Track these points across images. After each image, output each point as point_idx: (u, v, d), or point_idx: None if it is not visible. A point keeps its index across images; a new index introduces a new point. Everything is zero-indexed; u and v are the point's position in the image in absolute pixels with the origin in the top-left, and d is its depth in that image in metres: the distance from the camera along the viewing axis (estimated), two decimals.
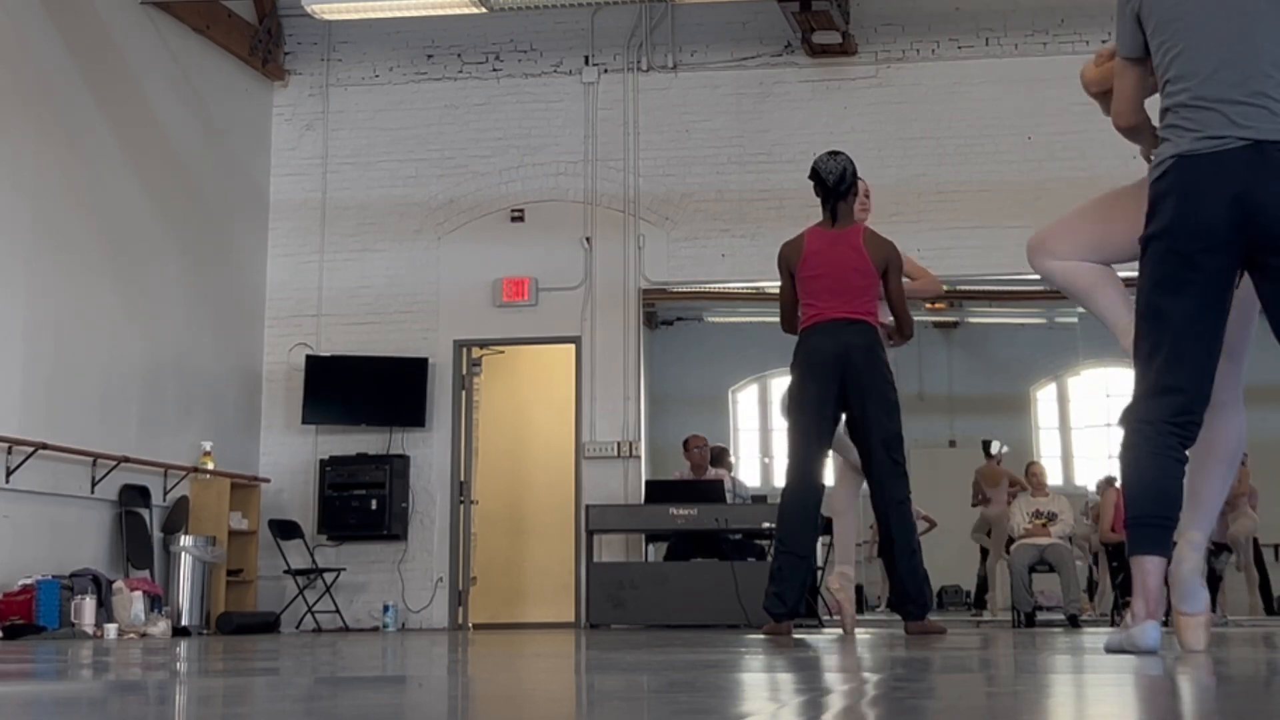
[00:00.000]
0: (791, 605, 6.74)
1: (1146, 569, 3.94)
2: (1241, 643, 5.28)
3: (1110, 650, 4.03)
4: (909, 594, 6.78)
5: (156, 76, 11.07)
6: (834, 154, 7.00)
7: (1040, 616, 10.98)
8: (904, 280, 7.02)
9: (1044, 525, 10.90)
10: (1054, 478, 13.00)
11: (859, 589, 11.95)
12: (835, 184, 6.89)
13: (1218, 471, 4.22)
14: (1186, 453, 4.02)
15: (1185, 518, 4.20)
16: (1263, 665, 3.59)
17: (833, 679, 3.13)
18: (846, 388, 6.73)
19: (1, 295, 9.23)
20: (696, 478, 11.05)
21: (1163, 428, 3.97)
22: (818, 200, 7.04)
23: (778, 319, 7.09)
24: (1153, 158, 4.07)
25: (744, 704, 2.42)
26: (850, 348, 6.72)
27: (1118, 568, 10.77)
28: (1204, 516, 4.24)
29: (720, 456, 11.94)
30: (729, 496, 10.83)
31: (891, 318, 7.02)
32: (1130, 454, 4.03)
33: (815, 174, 6.94)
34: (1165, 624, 4.05)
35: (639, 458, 11.72)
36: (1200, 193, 3.88)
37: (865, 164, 10.20)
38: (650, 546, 11.48)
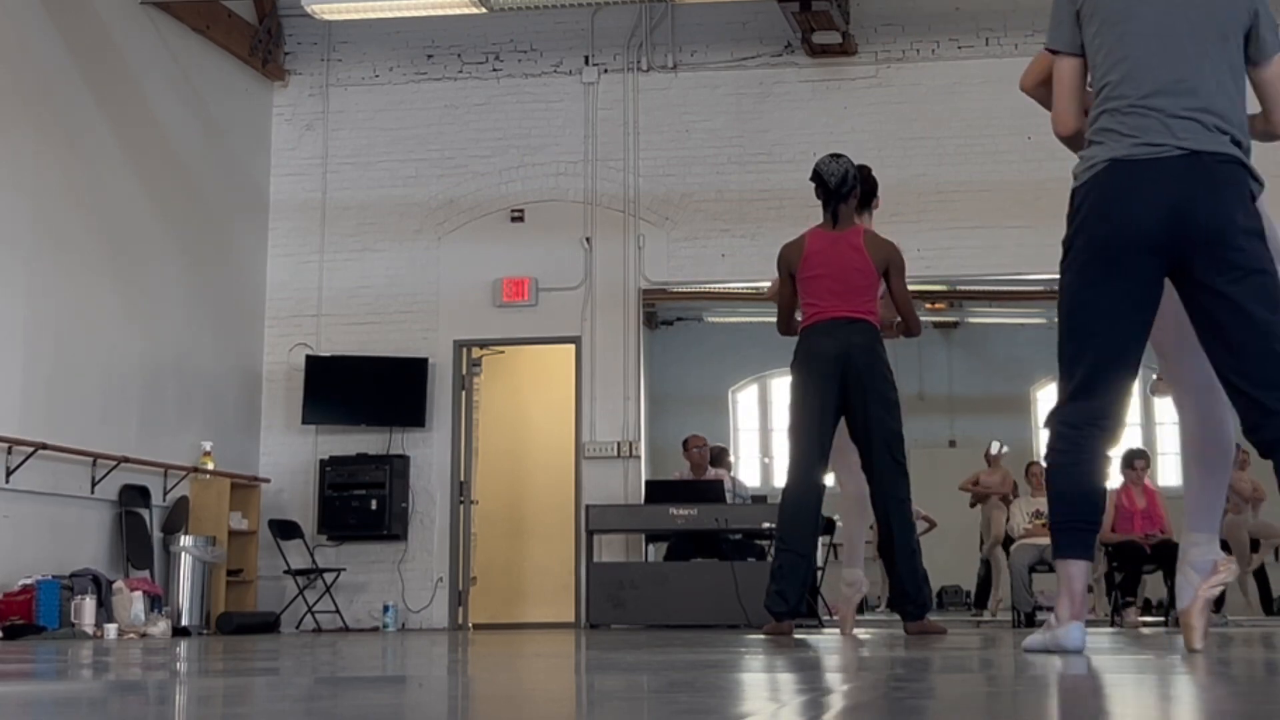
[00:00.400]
0: (793, 604, 6.74)
1: (1071, 573, 4.01)
2: (1241, 643, 5.28)
3: (1032, 650, 4.06)
4: (908, 594, 6.78)
5: (156, 76, 11.07)
6: (836, 156, 7.01)
7: (1040, 616, 10.98)
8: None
9: (1044, 525, 10.87)
10: None
11: None
12: (837, 186, 6.89)
13: (1202, 472, 4.25)
14: (1110, 454, 4.08)
15: (1185, 519, 4.25)
16: (1262, 665, 3.59)
17: (833, 679, 3.13)
18: (847, 386, 6.73)
19: (1, 295, 9.23)
20: (696, 478, 11.05)
21: (1088, 431, 4.00)
22: (818, 201, 7.05)
23: (777, 319, 7.10)
24: (1081, 159, 4.07)
25: (744, 704, 2.42)
26: (851, 346, 6.73)
27: (1117, 568, 10.77)
28: (1195, 516, 4.27)
29: (720, 456, 11.94)
30: (729, 496, 10.83)
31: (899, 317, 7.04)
32: (1055, 458, 4.07)
33: (817, 176, 6.95)
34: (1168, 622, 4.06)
35: (639, 458, 11.72)
36: (1134, 197, 3.88)
37: (865, 164, 10.19)
38: (650, 546, 11.48)
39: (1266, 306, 3.84)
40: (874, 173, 7.44)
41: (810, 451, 6.78)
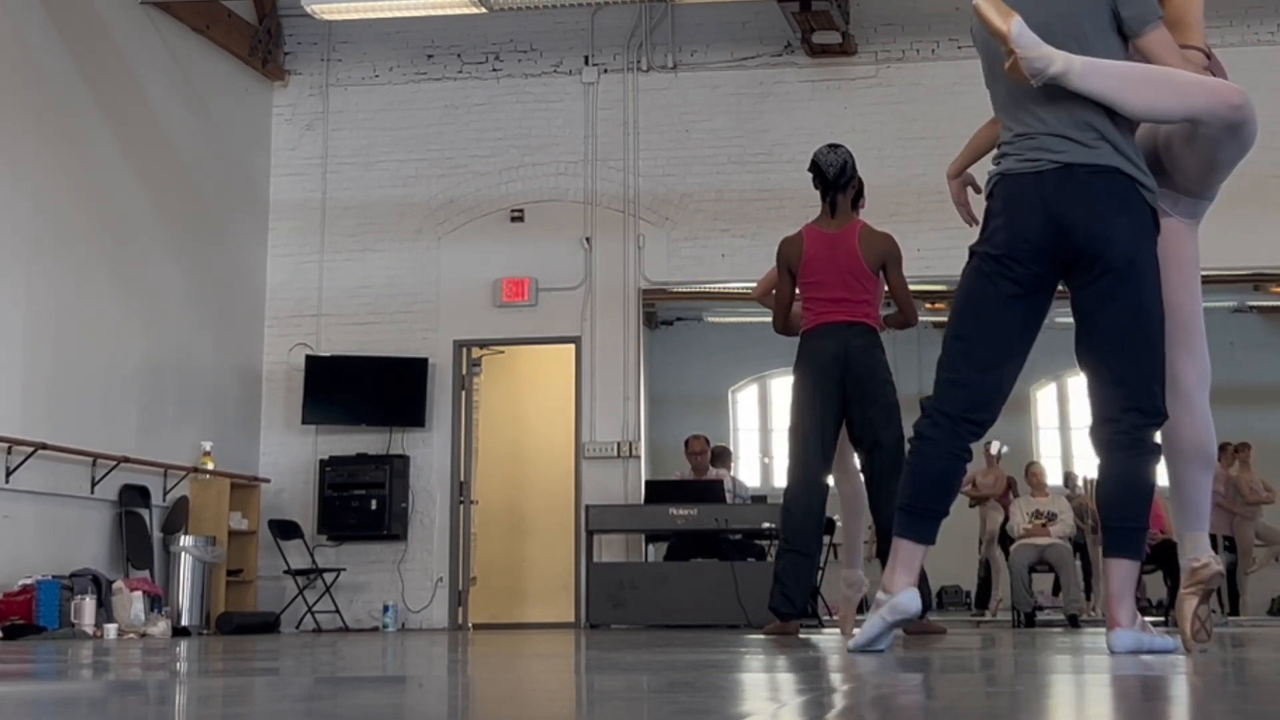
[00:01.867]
0: (800, 605, 6.77)
1: (914, 553, 4.24)
2: (1239, 643, 5.29)
3: (869, 635, 4.24)
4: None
5: (156, 76, 11.07)
6: (834, 147, 7.09)
7: (1040, 616, 10.99)
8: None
9: (1044, 525, 10.90)
10: (1054, 478, 12.99)
11: None
12: (835, 177, 6.96)
13: (1181, 471, 4.29)
14: (987, 448, 4.26)
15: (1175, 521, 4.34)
16: (1261, 665, 3.60)
17: (833, 679, 3.13)
18: (846, 390, 6.77)
19: (1, 295, 9.24)
20: (698, 478, 11.05)
21: (959, 421, 4.17)
22: (818, 198, 7.09)
23: (774, 316, 7.13)
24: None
25: (744, 704, 2.42)
26: (850, 350, 6.78)
27: None
28: (1184, 517, 4.32)
29: (721, 456, 11.94)
30: (729, 496, 10.83)
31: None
32: (921, 442, 4.23)
33: (815, 166, 7.00)
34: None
35: (639, 458, 11.72)
36: (1018, 204, 4.14)
37: (865, 164, 10.16)
38: (650, 546, 11.48)
39: (1132, 318, 4.05)
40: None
41: (812, 453, 6.82)
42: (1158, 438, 4.12)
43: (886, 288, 7.03)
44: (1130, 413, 4.05)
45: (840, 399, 6.80)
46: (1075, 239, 4.05)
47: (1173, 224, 4.26)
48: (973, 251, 4.23)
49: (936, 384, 4.26)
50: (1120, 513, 4.06)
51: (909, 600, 4.16)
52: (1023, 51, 3.92)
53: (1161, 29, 4.12)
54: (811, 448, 6.84)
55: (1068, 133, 4.08)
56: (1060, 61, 3.93)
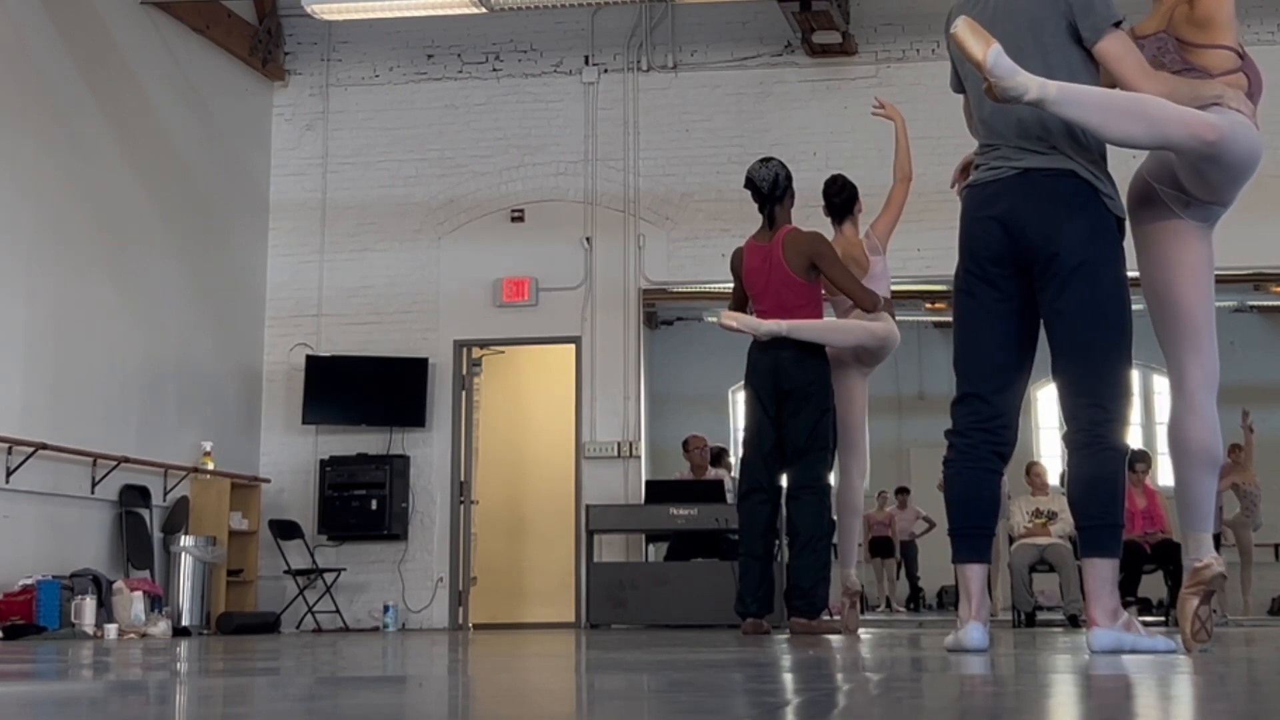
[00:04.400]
0: (751, 606, 7.15)
1: (968, 575, 4.31)
2: (1237, 642, 5.29)
3: (949, 650, 4.31)
4: (800, 589, 7.10)
5: (156, 76, 11.07)
6: (765, 161, 7.44)
7: (1040, 616, 10.99)
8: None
9: (1044, 525, 10.90)
10: (1054, 477, 12.98)
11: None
12: (770, 190, 7.20)
13: (1186, 472, 4.31)
14: (999, 457, 4.32)
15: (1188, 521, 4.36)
16: (1261, 665, 3.60)
17: (833, 679, 3.13)
18: (780, 399, 7.00)
19: (1, 295, 9.23)
20: (697, 478, 11.05)
21: (972, 437, 4.27)
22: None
23: None
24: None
25: (744, 704, 2.42)
26: (781, 361, 7.08)
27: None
28: (1189, 518, 4.33)
29: (720, 456, 11.95)
30: (729, 496, 10.83)
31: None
32: (946, 468, 4.35)
33: (750, 182, 7.22)
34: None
35: (639, 458, 11.72)
36: (979, 213, 4.26)
37: (865, 164, 10.18)
38: (650, 546, 11.48)
39: (1086, 315, 4.13)
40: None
41: (753, 459, 7.21)
42: (1126, 436, 4.17)
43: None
44: (1089, 410, 4.10)
45: (777, 409, 7.10)
46: (1028, 240, 4.14)
47: (1184, 226, 4.27)
48: (956, 274, 4.35)
49: (951, 404, 4.37)
50: (1088, 511, 4.11)
51: (968, 638, 4.27)
52: (996, 80, 3.94)
53: (1117, 37, 4.15)
54: (754, 455, 7.20)
55: (1025, 142, 4.18)
56: (1035, 89, 3.94)
